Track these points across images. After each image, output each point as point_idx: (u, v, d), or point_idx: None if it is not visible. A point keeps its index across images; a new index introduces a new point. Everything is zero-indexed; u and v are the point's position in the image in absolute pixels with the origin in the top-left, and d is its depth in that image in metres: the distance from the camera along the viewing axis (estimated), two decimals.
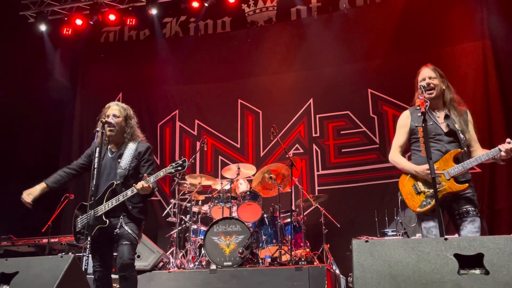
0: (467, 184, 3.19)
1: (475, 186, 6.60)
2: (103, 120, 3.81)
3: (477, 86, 7.02)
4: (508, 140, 3.09)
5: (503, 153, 3.09)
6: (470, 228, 3.11)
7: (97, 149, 3.76)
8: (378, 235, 5.81)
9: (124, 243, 3.62)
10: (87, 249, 3.67)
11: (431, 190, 3.19)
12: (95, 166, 3.71)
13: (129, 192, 3.65)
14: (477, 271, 2.02)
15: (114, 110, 3.91)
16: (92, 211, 3.64)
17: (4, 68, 8.14)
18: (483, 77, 7.03)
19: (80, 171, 4.00)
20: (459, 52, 7.30)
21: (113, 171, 3.81)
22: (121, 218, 3.66)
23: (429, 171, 3.15)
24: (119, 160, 3.82)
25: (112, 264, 3.84)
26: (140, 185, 3.55)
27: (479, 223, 3.15)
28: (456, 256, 2.08)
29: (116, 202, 3.66)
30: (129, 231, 3.63)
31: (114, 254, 3.78)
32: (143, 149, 3.88)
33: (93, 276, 3.73)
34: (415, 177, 3.35)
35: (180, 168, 3.67)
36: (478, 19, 7.27)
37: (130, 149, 3.86)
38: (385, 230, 5.76)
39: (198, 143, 7.95)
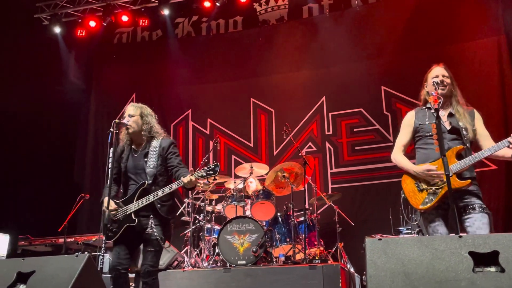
0: (469, 181, 3.14)
1: (491, 183, 6.63)
2: (117, 120, 3.85)
3: (492, 82, 6.94)
4: None
5: (507, 142, 3.04)
6: (479, 223, 3.07)
7: (111, 149, 3.79)
8: (393, 233, 5.77)
9: (149, 249, 3.64)
10: (103, 249, 3.72)
11: (433, 188, 3.22)
12: (109, 166, 3.74)
13: (174, 186, 3.66)
14: (493, 269, 1.98)
15: (129, 110, 3.96)
16: (107, 210, 3.68)
17: (19, 70, 8.27)
18: (498, 72, 6.95)
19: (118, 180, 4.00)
20: (473, 48, 7.22)
21: (141, 170, 3.83)
22: (151, 218, 3.67)
23: (428, 172, 3.22)
24: (146, 159, 3.84)
25: (130, 263, 3.83)
26: (188, 178, 3.55)
27: (487, 219, 3.10)
28: (471, 253, 2.05)
29: (146, 201, 3.68)
30: (157, 236, 3.63)
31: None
32: (167, 145, 3.88)
33: (109, 274, 3.76)
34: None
35: (211, 172, 3.63)
36: (493, 14, 7.18)
37: (154, 146, 3.87)
38: (400, 228, 5.72)
39: (211, 142, 7.99)
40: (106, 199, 3.80)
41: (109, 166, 3.75)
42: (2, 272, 2.62)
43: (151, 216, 3.67)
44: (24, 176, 7.76)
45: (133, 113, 3.93)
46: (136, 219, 3.65)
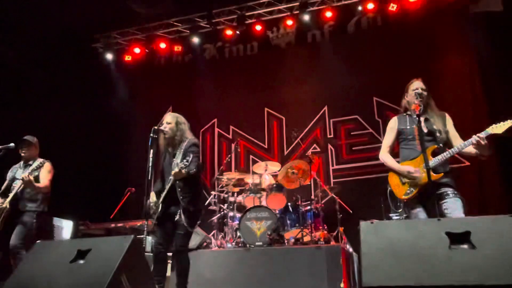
0: (442, 173, 3.16)
1: (465, 178, 6.54)
2: (156, 127, 3.90)
3: (465, 93, 6.86)
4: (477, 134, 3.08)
5: (473, 140, 3.05)
6: (453, 206, 3.05)
7: (151, 150, 3.83)
8: (385, 218, 5.70)
9: (179, 232, 3.68)
10: (145, 232, 3.76)
11: (414, 181, 3.24)
12: (150, 164, 3.79)
13: (171, 177, 3.66)
14: (465, 246, 1.95)
15: (167, 118, 4.02)
16: (149, 201, 3.74)
17: (79, 89, 8.44)
18: (470, 85, 6.87)
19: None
20: (449, 64, 7.14)
21: (171, 168, 3.84)
22: (180, 207, 3.68)
23: (409, 171, 3.25)
24: (174, 158, 3.86)
25: (169, 243, 3.84)
26: (173, 172, 3.58)
27: (460, 202, 3.11)
28: (448, 234, 2.02)
29: (165, 192, 3.72)
30: (184, 221, 3.64)
31: None
32: (189, 144, 3.89)
33: (151, 253, 3.80)
34: None
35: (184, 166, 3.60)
36: (465, 35, 7.09)
37: (181, 148, 3.89)
38: (391, 214, 5.64)
39: (233, 145, 8.01)
40: (152, 193, 3.87)
41: (150, 165, 3.79)
42: (66, 250, 2.67)
43: (180, 206, 3.69)
44: (83, 173, 7.89)
45: (170, 121, 3.98)
46: (160, 208, 3.68)
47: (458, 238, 1.99)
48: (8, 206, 4.28)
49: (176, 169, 3.55)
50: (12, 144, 4.47)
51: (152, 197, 3.87)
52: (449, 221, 2.12)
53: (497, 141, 5.98)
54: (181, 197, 3.69)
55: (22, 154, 4.64)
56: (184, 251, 3.72)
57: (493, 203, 6.23)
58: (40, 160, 4.62)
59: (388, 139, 3.59)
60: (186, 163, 3.55)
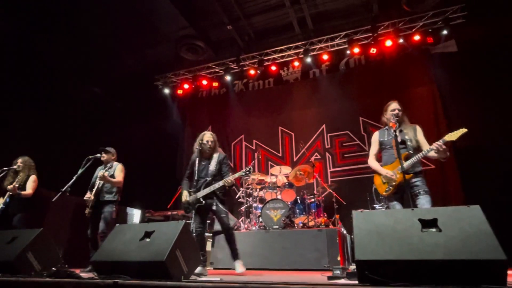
0: (412, 174, 3.07)
1: (431, 177, 6.46)
2: (200, 142, 3.97)
3: (429, 115, 6.68)
4: (436, 142, 3.03)
5: (434, 147, 3.00)
6: (423, 202, 2.97)
7: (197, 159, 3.89)
8: (370, 208, 5.57)
9: (222, 215, 3.75)
10: (191, 218, 3.80)
11: (391, 181, 3.18)
12: (195, 170, 3.84)
13: (220, 183, 3.72)
14: (433, 230, 1.90)
15: (207, 136, 4.08)
16: (194, 194, 3.78)
17: (145, 114, 8.67)
18: (433, 109, 6.70)
19: (191, 178, 4.08)
20: (417, 93, 6.97)
21: (206, 172, 3.91)
22: (214, 200, 3.74)
23: (387, 174, 3.18)
24: (209, 166, 3.93)
25: (204, 226, 3.86)
26: (227, 181, 3.67)
27: (429, 198, 3.01)
28: (420, 220, 1.97)
29: (209, 190, 3.76)
30: (223, 208, 3.74)
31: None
32: (222, 158, 3.97)
33: (194, 233, 3.83)
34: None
35: (248, 173, 3.73)
36: (428, 69, 6.97)
37: (215, 158, 3.96)
38: (375, 205, 5.52)
39: (256, 154, 8.03)
40: (185, 191, 3.92)
41: (195, 168, 3.84)
42: (136, 231, 2.72)
43: (214, 198, 3.74)
44: (149, 175, 8.06)
45: (212, 139, 4.06)
46: (204, 201, 3.72)
47: (428, 223, 1.94)
48: (93, 197, 4.37)
49: (229, 180, 3.69)
50: (99, 155, 4.61)
51: (186, 194, 3.91)
52: (420, 210, 2.05)
53: (455, 150, 5.82)
54: (218, 193, 3.81)
55: (102, 159, 4.70)
56: (231, 228, 3.81)
57: (453, 196, 6.00)
58: (115, 163, 4.72)
59: (373, 149, 3.53)
60: (248, 172, 3.72)
